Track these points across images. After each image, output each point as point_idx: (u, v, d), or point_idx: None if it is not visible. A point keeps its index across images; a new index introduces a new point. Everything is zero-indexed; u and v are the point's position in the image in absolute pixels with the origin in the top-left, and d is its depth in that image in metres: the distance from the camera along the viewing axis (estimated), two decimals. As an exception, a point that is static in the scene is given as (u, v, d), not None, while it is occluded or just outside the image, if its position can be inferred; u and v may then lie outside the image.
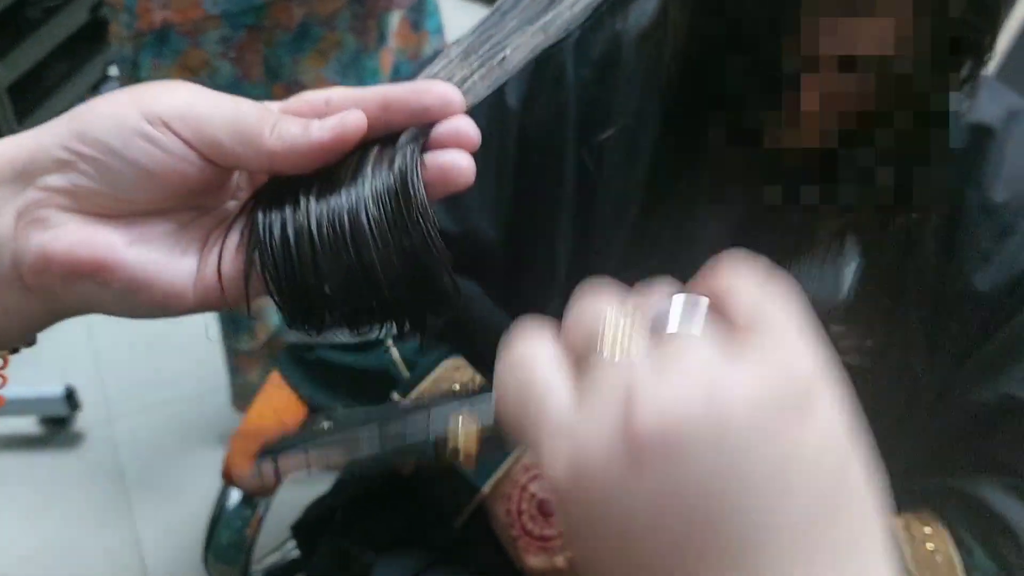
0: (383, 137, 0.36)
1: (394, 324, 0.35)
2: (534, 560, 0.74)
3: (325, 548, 0.85)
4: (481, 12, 0.42)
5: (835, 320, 0.66)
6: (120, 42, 1.21)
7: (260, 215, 0.35)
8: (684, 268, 0.69)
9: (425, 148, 0.35)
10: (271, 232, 0.35)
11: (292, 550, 1.03)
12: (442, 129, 0.35)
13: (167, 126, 0.34)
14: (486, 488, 0.74)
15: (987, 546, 0.69)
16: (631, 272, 0.64)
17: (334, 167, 0.35)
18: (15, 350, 0.38)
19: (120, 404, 1.86)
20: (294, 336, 0.81)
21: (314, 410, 0.81)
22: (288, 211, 0.35)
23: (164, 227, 0.36)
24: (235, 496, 0.89)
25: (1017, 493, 0.69)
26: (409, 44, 1.42)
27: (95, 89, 2.20)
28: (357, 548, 0.82)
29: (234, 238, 0.36)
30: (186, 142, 0.34)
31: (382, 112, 0.35)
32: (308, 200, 0.35)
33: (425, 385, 0.75)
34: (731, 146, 0.58)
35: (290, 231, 0.34)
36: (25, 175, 0.34)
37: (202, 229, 0.37)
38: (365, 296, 0.34)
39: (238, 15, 1.16)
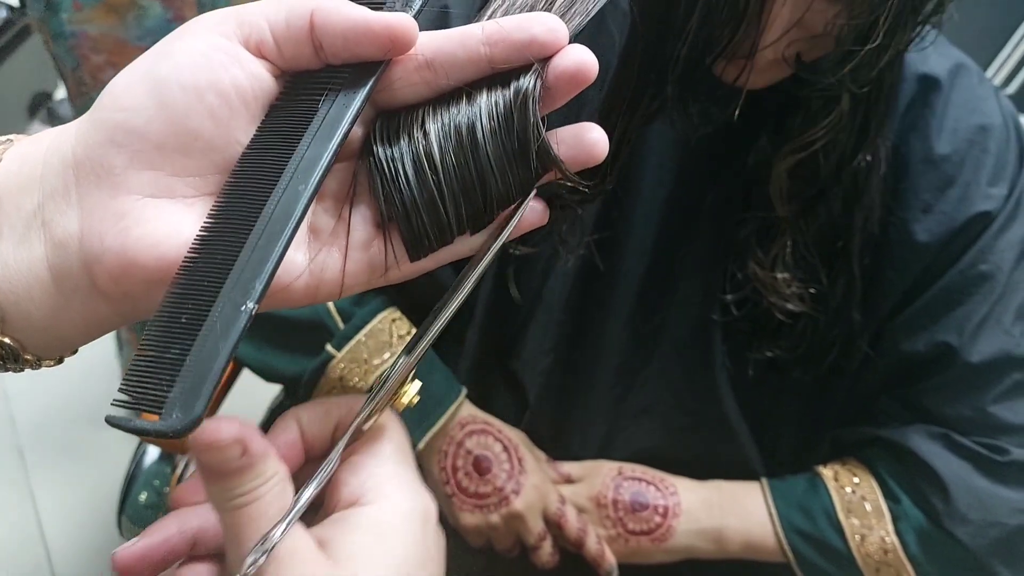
0: (489, 77, 0.33)
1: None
2: (469, 518, 0.73)
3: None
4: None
5: (780, 267, 0.65)
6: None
7: (380, 158, 0.33)
8: (632, 187, 0.67)
9: (545, 81, 0.33)
10: (394, 166, 0.33)
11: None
12: (563, 62, 0.32)
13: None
14: (420, 444, 0.72)
15: (914, 494, 0.70)
16: (583, 194, 0.62)
17: (439, 105, 0.34)
18: (60, 360, 0.34)
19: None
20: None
21: (241, 365, 0.77)
22: (404, 144, 0.33)
23: None
24: (153, 452, 0.85)
25: (944, 441, 0.70)
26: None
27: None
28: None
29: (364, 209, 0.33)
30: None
31: (484, 48, 0.32)
32: (424, 129, 0.33)
33: (361, 337, 0.71)
34: (690, 69, 0.56)
35: (408, 161, 0.33)
36: (78, 163, 0.30)
37: None
38: (482, 213, 0.33)
39: None
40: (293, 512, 0.32)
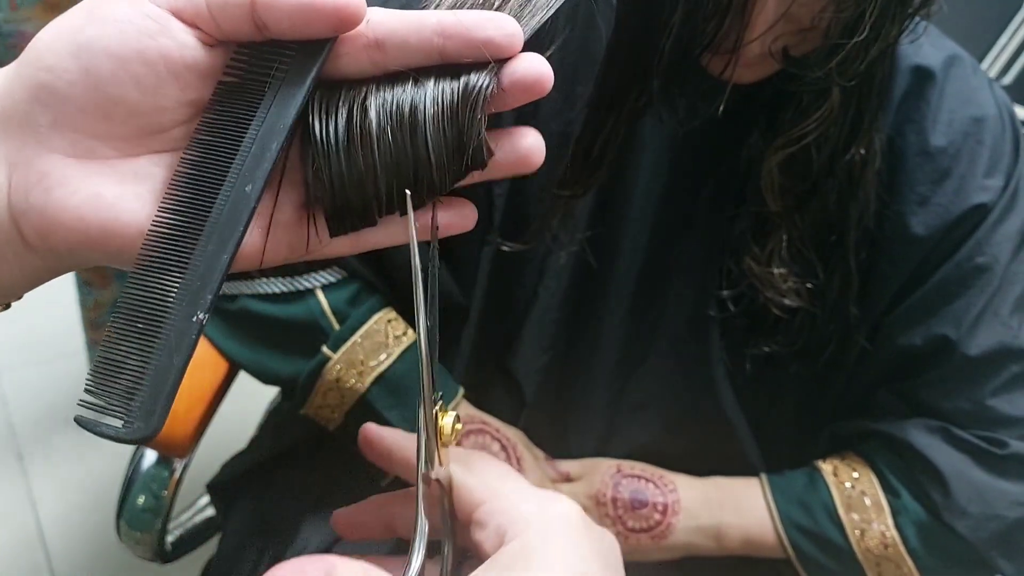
0: (439, 66, 0.33)
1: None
2: (468, 516, 0.72)
3: (244, 505, 0.82)
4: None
5: (776, 262, 0.65)
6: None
7: (315, 129, 0.33)
8: (626, 183, 0.67)
9: (499, 83, 0.33)
10: (328, 139, 0.33)
11: (204, 508, 0.99)
12: (520, 69, 0.33)
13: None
14: (418, 443, 0.72)
15: (914, 488, 0.70)
16: (575, 189, 0.61)
17: (383, 84, 0.34)
18: (7, 306, 0.35)
19: (7, 356, 1.77)
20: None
21: (236, 366, 0.76)
22: (343, 118, 0.33)
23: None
24: (150, 456, 0.85)
25: (943, 435, 0.70)
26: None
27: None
28: (280, 506, 0.78)
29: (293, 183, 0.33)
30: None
31: (437, 38, 0.32)
32: (364, 105, 0.33)
33: (357, 339, 0.71)
34: (678, 63, 0.56)
35: (343, 134, 0.33)
36: (5, 116, 0.30)
37: None
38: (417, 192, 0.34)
39: None
40: None
